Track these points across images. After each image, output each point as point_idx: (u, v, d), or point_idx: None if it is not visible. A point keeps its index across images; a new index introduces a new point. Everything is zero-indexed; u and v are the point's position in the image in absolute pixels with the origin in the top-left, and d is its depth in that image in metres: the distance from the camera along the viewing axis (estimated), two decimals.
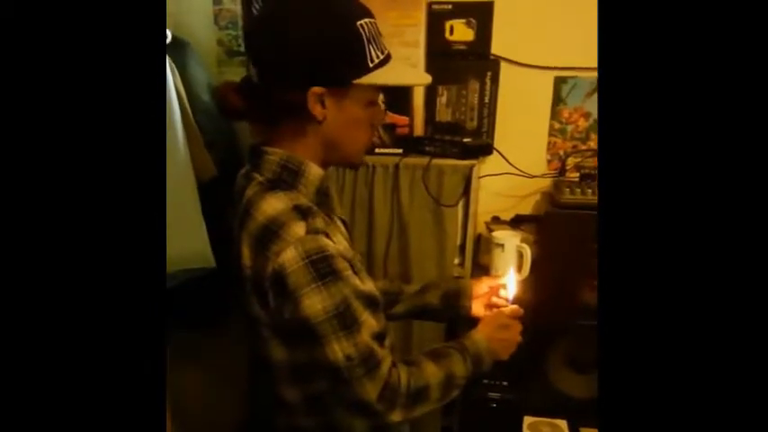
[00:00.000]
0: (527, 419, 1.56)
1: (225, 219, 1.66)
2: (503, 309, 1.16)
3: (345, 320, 0.87)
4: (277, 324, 0.91)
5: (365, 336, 0.90)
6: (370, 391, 0.91)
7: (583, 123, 1.72)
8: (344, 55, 0.89)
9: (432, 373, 0.99)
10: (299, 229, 0.86)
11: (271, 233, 0.87)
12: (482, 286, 1.27)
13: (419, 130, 1.69)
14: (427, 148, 1.60)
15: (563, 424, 1.56)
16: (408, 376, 0.96)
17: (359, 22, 0.89)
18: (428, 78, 1.05)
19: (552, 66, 1.69)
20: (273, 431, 1.07)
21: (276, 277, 0.85)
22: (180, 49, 1.74)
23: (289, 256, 0.84)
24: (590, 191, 1.50)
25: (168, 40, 1.64)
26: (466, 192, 1.59)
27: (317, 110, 0.90)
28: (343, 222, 1.07)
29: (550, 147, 1.75)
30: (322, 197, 0.97)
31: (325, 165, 0.98)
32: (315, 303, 0.84)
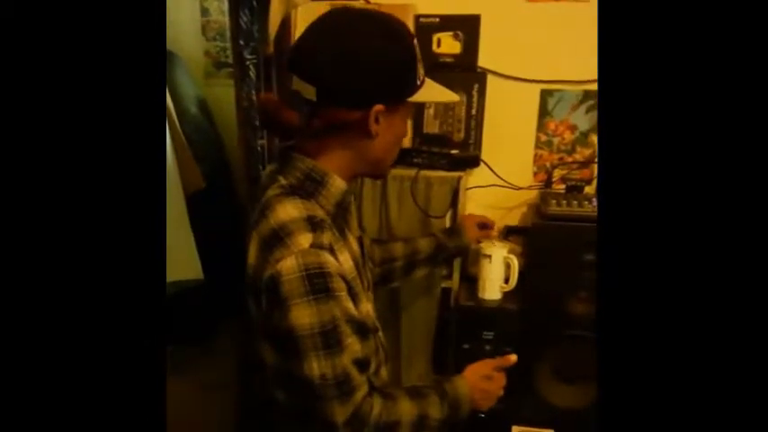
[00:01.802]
0: (515, 429, 1.57)
1: (214, 230, 1.67)
2: (492, 360, 1.15)
3: (329, 340, 0.87)
4: (266, 328, 0.91)
5: (345, 360, 0.89)
6: (338, 414, 0.91)
7: (569, 136, 1.74)
8: (405, 73, 0.92)
9: (405, 410, 0.99)
10: (304, 240, 0.87)
11: (277, 239, 0.87)
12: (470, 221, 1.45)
13: (407, 141, 1.70)
14: (415, 160, 1.61)
15: None
16: (381, 409, 0.96)
17: (413, 41, 0.93)
18: (457, 97, 1.11)
19: (538, 79, 1.70)
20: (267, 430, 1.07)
21: (272, 282, 0.85)
22: (167, 60, 1.75)
23: (287, 265, 0.84)
24: (576, 202, 1.52)
25: None
26: (453, 203, 1.60)
27: (375, 127, 0.91)
28: (360, 240, 1.08)
29: (537, 159, 1.77)
30: (340, 211, 0.98)
31: (351, 178, 0.99)
32: (302, 317, 0.85)
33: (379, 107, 0.90)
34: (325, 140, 0.94)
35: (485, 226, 1.51)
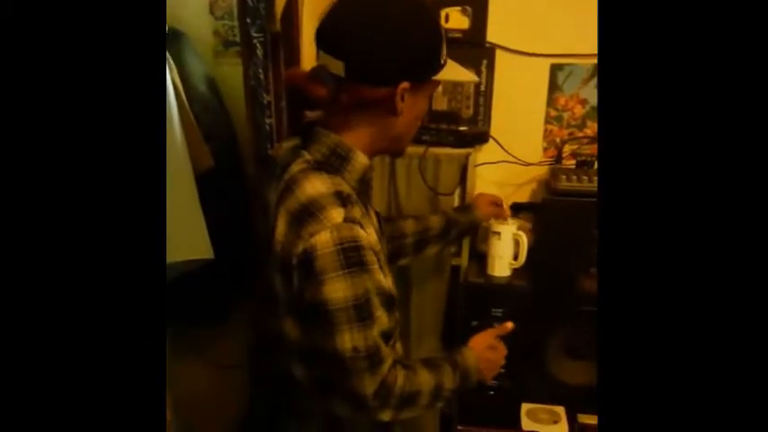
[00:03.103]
0: (525, 406, 1.58)
1: (224, 209, 1.68)
2: (492, 329, 1.19)
3: (362, 313, 0.88)
4: (295, 303, 0.92)
5: (375, 332, 0.91)
6: (368, 385, 0.93)
7: (579, 110, 1.72)
8: (431, 52, 0.93)
9: (425, 380, 1.02)
10: (336, 214, 0.88)
11: (308, 214, 0.88)
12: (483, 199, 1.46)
13: None
14: (423, 137, 1.60)
15: (561, 411, 1.57)
16: (404, 380, 0.98)
17: (439, 20, 0.91)
18: (477, 78, 1.12)
19: (548, 53, 1.68)
20: (281, 408, 1.10)
21: (305, 257, 0.86)
22: (176, 40, 1.74)
23: (322, 239, 0.85)
24: (586, 178, 1.50)
25: None
26: (462, 180, 1.60)
27: (400, 104, 0.92)
28: (377, 215, 1.10)
29: (547, 134, 1.75)
30: (363, 186, 0.99)
31: (373, 154, 1.01)
32: (337, 290, 0.86)
33: (405, 85, 0.91)
34: (350, 116, 0.95)
35: (497, 204, 1.50)
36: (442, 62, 0.96)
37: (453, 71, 1.00)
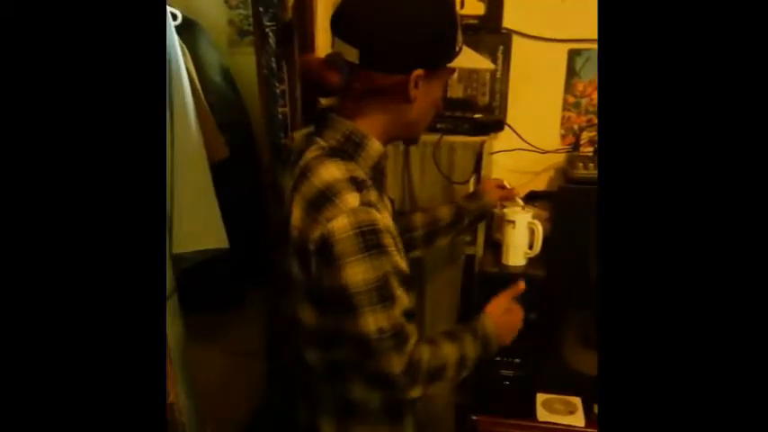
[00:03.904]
0: (540, 397, 1.56)
1: (239, 199, 1.69)
2: (506, 292, 1.18)
3: (383, 294, 0.89)
4: (312, 288, 0.93)
5: (398, 311, 0.92)
6: (396, 365, 0.93)
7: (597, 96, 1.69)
8: (445, 39, 0.94)
9: (449, 352, 1.02)
10: (353, 199, 0.88)
11: (325, 199, 0.89)
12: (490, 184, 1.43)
13: None
14: (438, 125, 1.58)
15: (577, 401, 1.55)
16: (430, 355, 0.99)
17: (455, 7, 0.95)
18: (493, 65, 1.21)
19: (566, 38, 1.65)
20: (294, 394, 1.11)
21: (323, 242, 0.87)
22: (191, 29, 1.75)
23: (340, 224, 0.86)
24: None
25: (178, 21, 1.64)
26: (477, 168, 1.58)
27: (414, 91, 0.93)
28: (392, 202, 1.11)
29: (564, 121, 1.72)
30: (377, 173, 1.00)
31: (387, 141, 1.01)
32: (357, 273, 0.87)
33: (419, 72, 0.91)
34: (365, 103, 0.96)
35: (503, 187, 1.48)
36: (457, 49, 0.96)
37: (469, 58, 1.00)
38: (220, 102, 1.78)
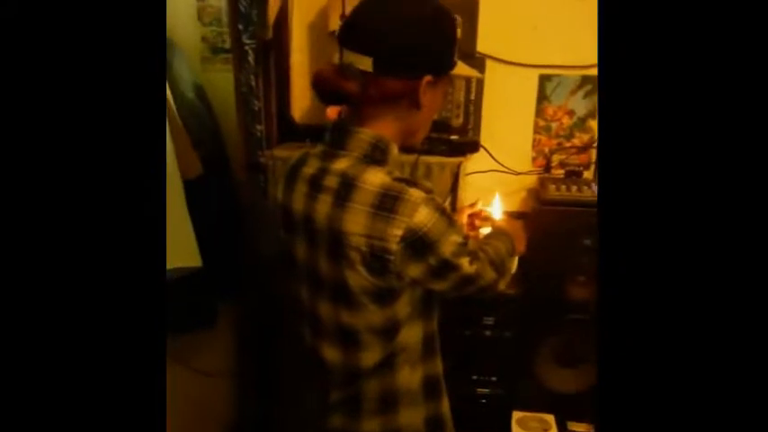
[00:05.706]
0: (516, 414, 1.58)
1: (212, 217, 1.66)
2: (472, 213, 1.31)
3: (466, 243, 0.98)
4: (380, 287, 0.95)
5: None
6: (490, 275, 1.04)
7: (567, 121, 1.74)
8: (450, 46, 0.98)
9: (498, 246, 1.12)
10: (416, 191, 0.92)
11: (393, 199, 0.91)
12: (463, 216, 1.38)
13: None
14: None
15: (551, 418, 1.57)
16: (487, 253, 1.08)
17: (454, 17, 1.00)
18: (481, 74, 1.33)
19: (537, 64, 1.70)
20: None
21: (413, 236, 0.91)
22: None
23: (423, 214, 0.91)
24: (575, 187, 1.52)
25: None
26: (453, 189, 1.60)
27: (423, 98, 0.96)
28: None
29: (535, 144, 1.77)
30: None
31: (399, 147, 1.05)
32: (451, 243, 0.94)
33: (428, 78, 0.95)
34: (378, 111, 0.98)
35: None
36: (455, 59, 1.01)
37: (462, 68, 1.05)
38: (194, 119, 1.76)
